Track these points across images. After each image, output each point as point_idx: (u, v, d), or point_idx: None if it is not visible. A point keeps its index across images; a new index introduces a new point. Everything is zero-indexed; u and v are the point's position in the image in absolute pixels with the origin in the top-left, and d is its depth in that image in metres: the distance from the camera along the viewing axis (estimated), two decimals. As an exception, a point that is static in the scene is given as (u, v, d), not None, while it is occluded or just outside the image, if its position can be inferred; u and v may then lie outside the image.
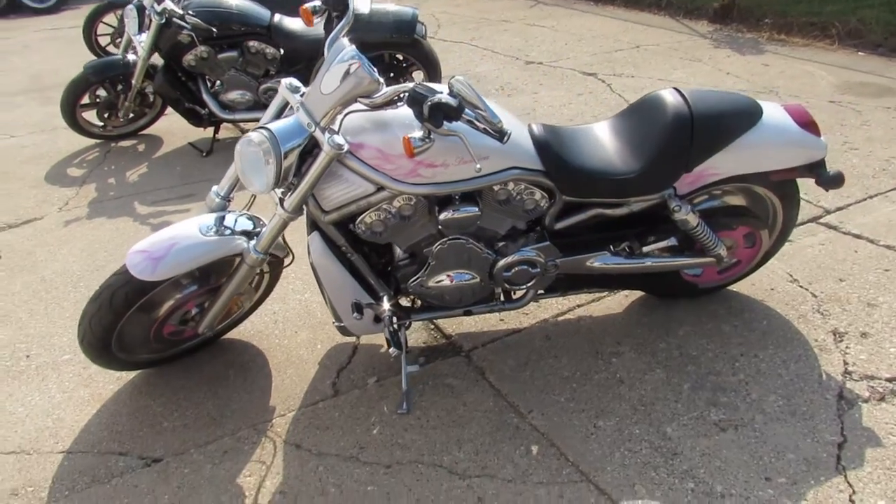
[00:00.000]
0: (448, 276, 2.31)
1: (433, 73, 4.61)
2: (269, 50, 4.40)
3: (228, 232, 2.23)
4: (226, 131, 4.84)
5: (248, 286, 2.45)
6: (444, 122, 1.88)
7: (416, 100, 1.87)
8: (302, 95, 2.06)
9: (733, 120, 2.22)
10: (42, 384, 2.48)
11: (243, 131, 4.80)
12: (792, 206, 2.52)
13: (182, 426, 2.27)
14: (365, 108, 2.01)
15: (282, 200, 2.10)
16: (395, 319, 2.25)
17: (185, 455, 2.15)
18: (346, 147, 1.99)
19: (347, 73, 1.91)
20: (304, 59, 4.46)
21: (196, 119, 4.55)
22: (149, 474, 2.09)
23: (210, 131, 4.65)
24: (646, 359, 2.48)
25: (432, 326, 2.71)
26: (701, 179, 2.29)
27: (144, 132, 4.90)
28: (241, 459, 2.13)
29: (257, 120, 4.58)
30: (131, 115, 4.70)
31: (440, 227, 2.18)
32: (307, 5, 2.26)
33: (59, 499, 2.02)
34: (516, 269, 2.33)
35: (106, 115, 4.65)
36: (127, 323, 2.21)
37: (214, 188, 2.30)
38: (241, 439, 2.20)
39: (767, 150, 2.27)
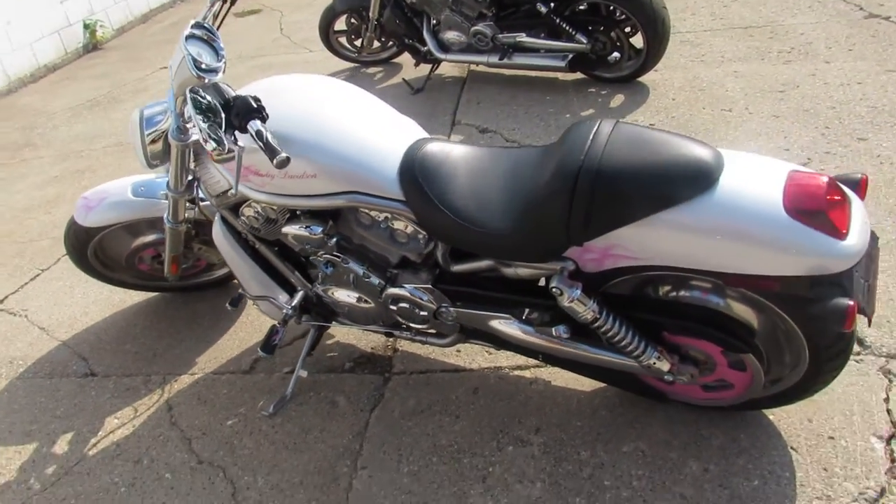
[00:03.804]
0: (337, 290, 2.07)
1: (651, 32, 3.79)
2: (480, -10, 4.16)
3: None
4: (456, 70, 4.78)
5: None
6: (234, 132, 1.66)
7: None
8: None
9: (653, 180, 1.42)
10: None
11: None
12: (820, 337, 1.54)
13: (133, 353, 2.56)
14: None
15: None
16: (287, 320, 2.13)
17: (106, 379, 2.45)
18: (190, 139, 1.90)
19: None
20: (515, 4, 4.11)
21: (417, 55, 4.62)
22: (76, 384, 2.45)
23: (426, 71, 4.68)
24: (543, 464, 1.89)
25: (392, 333, 2.47)
26: (608, 260, 1.56)
27: (395, 60, 5.15)
28: (127, 400, 2.34)
29: (471, 62, 4.46)
30: (376, 43, 4.97)
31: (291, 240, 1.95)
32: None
33: (24, 376, 2.51)
34: (401, 304, 1.97)
35: (357, 43, 5.02)
36: (104, 246, 2.50)
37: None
38: (146, 382, 2.40)
39: (712, 238, 1.41)
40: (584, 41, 3.92)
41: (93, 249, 2.47)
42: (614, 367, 1.76)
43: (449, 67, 4.77)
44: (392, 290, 1.95)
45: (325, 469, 1.99)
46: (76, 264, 2.54)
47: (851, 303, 1.39)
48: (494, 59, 4.22)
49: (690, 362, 1.72)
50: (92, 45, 6.81)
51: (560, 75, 4.35)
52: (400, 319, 2.03)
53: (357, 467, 1.98)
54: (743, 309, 1.63)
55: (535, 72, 4.39)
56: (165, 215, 2.22)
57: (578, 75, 4.27)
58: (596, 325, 1.62)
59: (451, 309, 1.90)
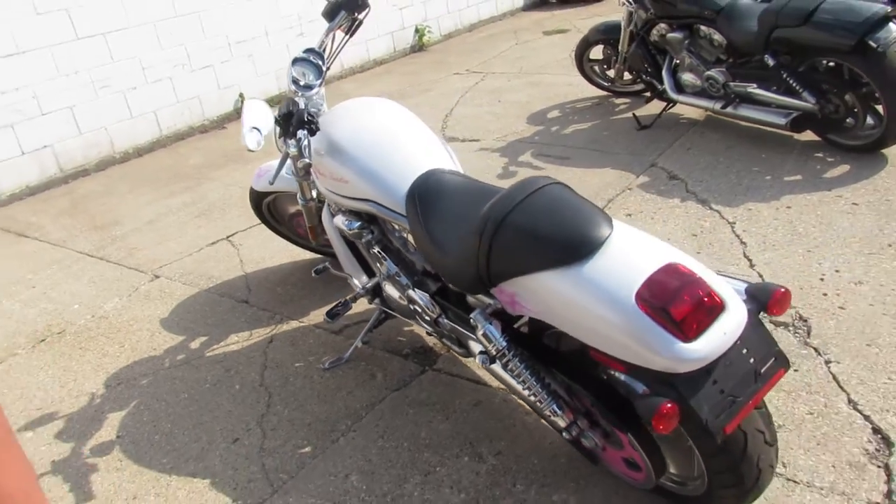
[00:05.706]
0: (388, 284, 2.42)
1: (893, 100, 3.31)
2: (717, 37, 4.04)
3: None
4: (695, 113, 4.65)
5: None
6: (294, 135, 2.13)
7: None
8: None
9: (536, 240, 1.51)
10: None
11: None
12: (697, 440, 1.46)
13: (279, 294, 3.23)
14: None
15: None
16: (356, 298, 2.57)
17: (250, 308, 3.15)
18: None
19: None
20: (747, 54, 3.90)
21: (653, 92, 4.63)
22: (231, 304, 3.19)
23: (657, 108, 4.64)
24: (478, 481, 2.03)
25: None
26: (517, 307, 1.66)
27: (646, 94, 5.16)
28: (251, 326, 2.99)
29: (697, 106, 4.33)
30: (627, 75, 5.05)
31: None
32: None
33: (209, 290, 3.36)
34: (414, 307, 2.26)
35: (609, 73, 5.16)
36: (276, 206, 3.20)
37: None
38: (271, 318, 3.04)
39: (572, 307, 1.46)
40: (812, 101, 3.59)
41: (266, 207, 3.18)
42: (528, 403, 1.84)
43: (689, 109, 4.66)
44: (409, 293, 2.24)
45: (330, 421, 2.38)
46: (256, 215, 3.29)
47: (669, 405, 1.32)
48: (718, 106, 4.07)
49: (600, 430, 1.72)
50: (419, 47, 7.94)
51: (795, 134, 3.99)
52: (419, 321, 2.32)
53: (351, 429, 2.34)
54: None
55: (770, 127, 4.09)
56: (297, 193, 2.80)
57: (811, 136, 3.89)
58: (503, 361, 1.74)
59: (445, 320, 2.14)
